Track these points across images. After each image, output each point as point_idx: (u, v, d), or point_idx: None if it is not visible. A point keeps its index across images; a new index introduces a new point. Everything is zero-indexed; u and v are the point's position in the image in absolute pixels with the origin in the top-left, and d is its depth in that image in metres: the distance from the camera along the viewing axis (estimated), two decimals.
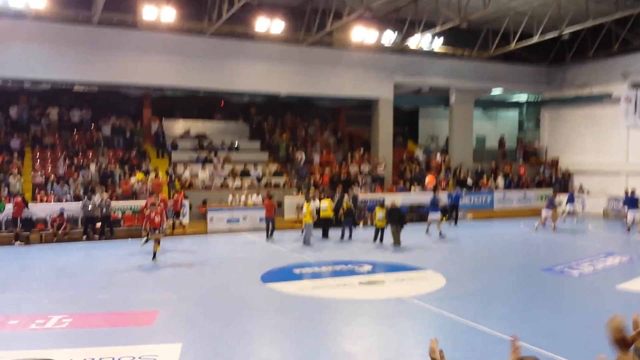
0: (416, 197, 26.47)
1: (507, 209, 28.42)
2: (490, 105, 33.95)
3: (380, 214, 18.89)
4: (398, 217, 17.93)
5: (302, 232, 19.59)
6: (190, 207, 22.10)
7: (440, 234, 19.96)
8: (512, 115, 36.95)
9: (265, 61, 25.06)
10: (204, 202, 22.71)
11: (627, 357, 2.51)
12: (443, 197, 25.00)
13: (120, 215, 20.68)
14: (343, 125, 32.07)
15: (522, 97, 35.30)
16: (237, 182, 24.63)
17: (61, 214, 19.46)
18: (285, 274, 13.64)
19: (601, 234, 21.42)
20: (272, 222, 19.79)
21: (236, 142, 27.69)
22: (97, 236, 19.88)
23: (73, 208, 20.14)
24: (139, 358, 7.20)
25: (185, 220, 21.97)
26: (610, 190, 27.56)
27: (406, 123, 33.39)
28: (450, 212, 24.40)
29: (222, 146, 27.04)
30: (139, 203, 20.77)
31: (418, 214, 25.60)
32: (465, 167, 29.95)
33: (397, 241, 17.75)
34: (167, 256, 15.97)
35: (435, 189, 26.09)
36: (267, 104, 29.72)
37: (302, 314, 9.77)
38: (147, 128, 26.77)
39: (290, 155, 27.54)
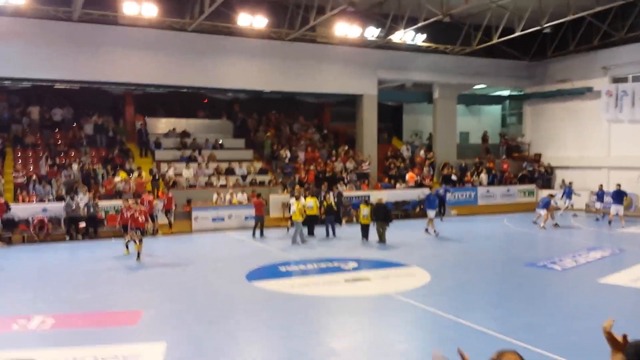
0: (401, 193, 26.59)
1: (491, 205, 28.56)
2: (473, 100, 34.05)
3: (364, 211, 18.86)
4: (384, 214, 17.87)
5: (288, 230, 20.21)
6: (175, 206, 22.09)
7: (434, 231, 19.90)
8: (495, 110, 37.16)
9: (248, 57, 24.96)
10: (189, 201, 22.57)
11: (616, 357, 2.57)
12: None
13: (104, 215, 20.47)
14: (328, 121, 32.14)
15: (504, 92, 35.70)
16: (222, 181, 24.49)
17: (43, 216, 19.28)
18: (270, 272, 13.60)
19: (584, 229, 21.66)
20: (262, 221, 19.73)
21: (220, 140, 27.61)
22: (80, 236, 19.68)
23: (55, 208, 19.90)
24: (123, 358, 7.16)
25: (166, 219, 21.88)
26: (592, 185, 28.03)
27: (390, 119, 33.47)
28: (439, 208, 24.63)
29: (206, 144, 26.93)
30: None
31: (403, 210, 25.84)
32: (450, 163, 30.08)
33: (382, 239, 17.73)
34: (151, 256, 15.90)
35: (430, 185, 26.88)
36: (251, 101, 29.62)
37: (288, 311, 9.79)
38: (130, 126, 26.64)
39: (275, 152, 27.41)
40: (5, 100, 24.62)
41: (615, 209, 21.67)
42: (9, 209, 18.92)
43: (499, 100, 35.01)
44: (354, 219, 23.23)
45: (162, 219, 21.55)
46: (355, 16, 24.19)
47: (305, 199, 20.25)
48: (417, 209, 25.37)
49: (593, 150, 28.61)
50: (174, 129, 27.53)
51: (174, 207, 21.63)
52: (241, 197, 23.49)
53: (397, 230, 20.12)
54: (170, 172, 24.00)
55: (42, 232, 19.00)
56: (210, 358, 7.40)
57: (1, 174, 20.81)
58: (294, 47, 25.70)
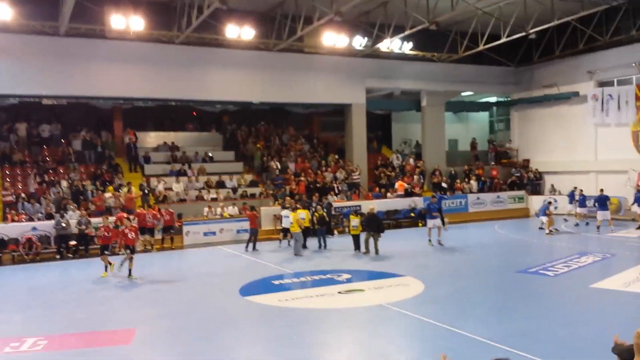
0: (392, 202, 26.53)
1: (482, 212, 28.62)
2: (461, 107, 34.20)
3: (354, 221, 18.77)
4: (376, 224, 17.74)
5: (287, 242, 20.16)
6: (174, 223, 21.79)
7: (439, 241, 19.58)
8: (483, 117, 37.26)
9: (237, 69, 24.89)
10: (179, 216, 22.24)
11: None
12: (420, 203, 25.82)
13: (94, 233, 19.81)
14: (317, 131, 32.06)
15: (492, 99, 35.91)
16: (213, 194, 24.37)
17: (31, 235, 19.07)
18: (264, 286, 13.54)
19: (575, 234, 21.76)
20: (255, 234, 19.58)
21: (210, 152, 27.51)
22: (71, 255, 19.42)
23: (45, 226, 19.67)
24: None
25: (159, 235, 21.47)
26: (580, 190, 27.86)
27: (380, 127, 33.44)
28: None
29: (196, 157, 26.79)
30: (113, 219, 19.89)
31: (394, 219, 25.86)
32: (440, 170, 30.11)
33: (367, 249, 17.71)
34: (143, 273, 15.71)
35: (414, 194, 26.90)
36: (240, 113, 29.55)
37: (282, 325, 9.73)
38: (119, 141, 26.34)
39: (265, 164, 27.30)
40: None
41: (602, 214, 21.65)
42: None
43: (486, 106, 35.17)
44: (346, 230, 22.97)
45: (158, 235, 21.31)
46: (342, 26, 24.39)
47: (296, 210, 20.15)
48: (419, 221, 25.23)
49: (580, 154, 28.77)
50: (163, 143, 27.43)
51: (175, 224, 21.56)
52: (232, 210, 23.35)
53: (389, 240, 19.95)
54: (160, 187, 23.84)
55: (31, 251, 18.80)
56: None
57: None
58: (281, 58, 25.69)
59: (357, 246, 18.46)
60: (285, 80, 26.02)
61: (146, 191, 23.05)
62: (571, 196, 24.96)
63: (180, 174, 25.21)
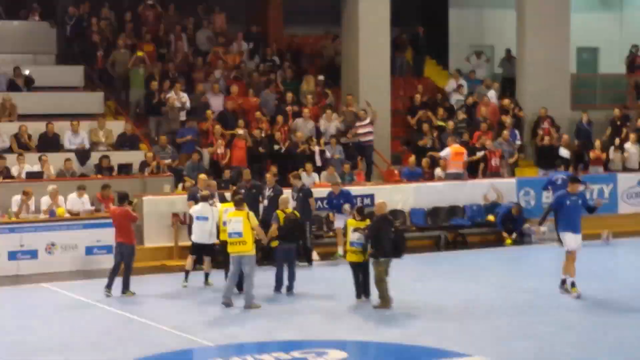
0: (447, 190, 26.57)
1: None
2: None
3: (355, 235, 18.78)
4: (390, 240, 18.01)
5: (206, 276, 20.60)
6: None
7: (573, 288, 19.33)
8: None
9: None
10: None
11: None
12: (510, 191, 26.58)
13: None
14: (275, 25, 32.58)
15: None
16: (31, 165, 24.62)
17: None
18: None
19: None
20: (130, 256, 19.91)
21: (27, 69, 28.06)
22: None
23: None
24: None
25: None
26: None
27: (421, 20, 34.08)
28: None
29: None
30: None
31: (449, 228, 26.25)
32: (555, 120, 30.08)
33: (386, 299, 18.06)
34: None
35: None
36: None
37: None
38: None
39: (156, 97, 27.54)
40: None
41: None
42: None
43: None
44: (340, 250, 22.97)
45: None
46: None
47: (221, 206, 20.39)
48: (507, 234, 25.74)
49: None
50: None
51: None
52: (76, 202, 23.25)
53: (437, 273, 21.55)
54: None
55: None
56: None
57: None
58: None
59: (358, 285, 18.87)
60: None
61: None
62: None
63: None
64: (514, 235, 24.94)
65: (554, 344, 15.86)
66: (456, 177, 26.85)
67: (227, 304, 18.37)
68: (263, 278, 19.97)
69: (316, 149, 26.85)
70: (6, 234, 22.27)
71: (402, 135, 29.76)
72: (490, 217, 25.89)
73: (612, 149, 29.70)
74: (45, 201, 22.96)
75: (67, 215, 22.86)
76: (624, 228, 27.35)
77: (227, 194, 22.34)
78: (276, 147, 26.50)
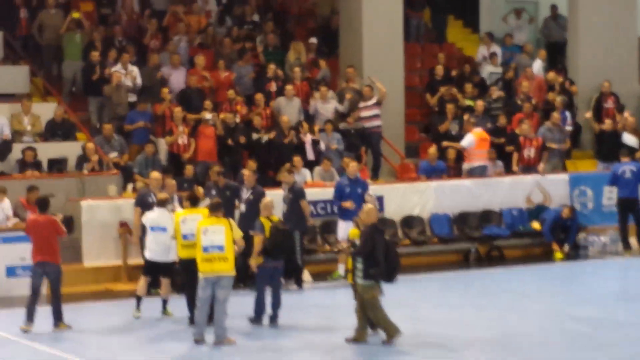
0: (478, 190, 26.95)
1: None
2: None
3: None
4: (387, 256, 17.94)
5: (164, 303, 20.67)
6: None
7: None
8: None
9: None
10: None
11: None
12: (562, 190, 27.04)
13: None
14: None
15: None
16: None
17: None
18: None
19: None
20: (57, 279, 19.59)
21: None
22: None
23: None
24: None
25: None
26: None
27: None
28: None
29: None
30: None
31: (482, 239, 26.39)
32: (616, 98, 30.53)
33: (391, 329, 17.98)
34: None
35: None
36: None
37: None
38: None
39: (96, 72, 27.55)
40: None
41: None
42: None
43: None
44: (340, 270, 23.21)
45: None
46: None
47: (182, 211, 20.28)
48: (559, 245, 25.85)
49: None
50: None
51: None
52: None
53: (458, 298, 21.39)
54: None
55: None
56: None
57: None
58: None
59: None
60: None
61: None
62: None
63: None
64: (566, 247, 24.82)
65: None
66: (481, 171, 27.13)
67: (200, 341, 18.27)
68: (237, 305, 19.68)
69: (307, 137, 26.81)
70: None
71: (419, 120, 30.08)
72: (535, 225, 25.93)
73: None
74: None
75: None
76: None
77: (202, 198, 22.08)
78: (255, 135, 26.51)
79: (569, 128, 29.27)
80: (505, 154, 27.73)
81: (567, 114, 29.22)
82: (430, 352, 17.29)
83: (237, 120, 26.49)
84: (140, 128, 26.25)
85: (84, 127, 27.07)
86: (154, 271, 20.46)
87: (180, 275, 20.24)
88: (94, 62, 27.39)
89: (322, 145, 26.90)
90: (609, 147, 28.74)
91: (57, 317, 19.53)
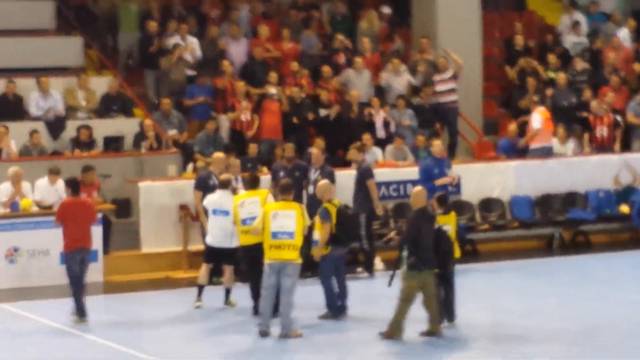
0: (563, 170, 26.86)
1: None
2: None
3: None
4: (431, 245, 18.00)
5: (226, 292, 20.54)
6: None
7: None
8: None
9: None
10: None
11: None
12: None
13: None
14: None
15: None
16: None
17: None
18: None
19: None
20: (87, 267, 19.27)
21: None
22: None
23: None
24: None
25: None
26: None
27: None
28: None
29: None
30: None
31: (561, 224, 26.26)
32: None
33: (394, 328, 17.94)
34: None
35: None
36: None
37: None
38: None
39: (154, 44, 27.71)
40: None
41: None
42: None
43: None
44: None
45: None
46: None
47: (240, 194, 20.43)
48: None
49: None
50: None
51: None
52: (47, 189, 23.23)
53: (540, 287, 21.32)
54: None
55: None
56: None
57: None
58: None
59: (445, 311, 18.73)
60: None
61: None
62: None
63: None
64: None
65: None
66: (547, 152, 26.97)
67: (265, 332, 18.14)
68: (305, 296, 19.80)
69: (379, 114, 26.72)
70: None
71: (498, 94, 30.03)
72: (624, 208, 25.74)
73: None
74: (5, 189, 22.82)
75: (34, 209, 22.64)
76: None
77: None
78: (322, 112, 26.43)
79: None
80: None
81: None
82: (510, 345, 17.11)
83: (303, 95, 26.24)
84: (201, 103, 26.29)
85: (140, 102, 27.40)
86: (216, 258, 20.42)
87: (242, 262, 20.24)
88: (151, 33, 27.32)
89: (392, 123, 26.87)
90: None
91: (80, 310, 19.30)
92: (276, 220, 18.49)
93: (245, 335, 18.18)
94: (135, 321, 20.15)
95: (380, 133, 26.56)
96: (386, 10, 30.29)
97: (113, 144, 25.22)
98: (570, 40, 30.59)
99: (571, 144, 27.29)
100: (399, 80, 27.39)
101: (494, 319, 19.03)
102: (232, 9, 29.37)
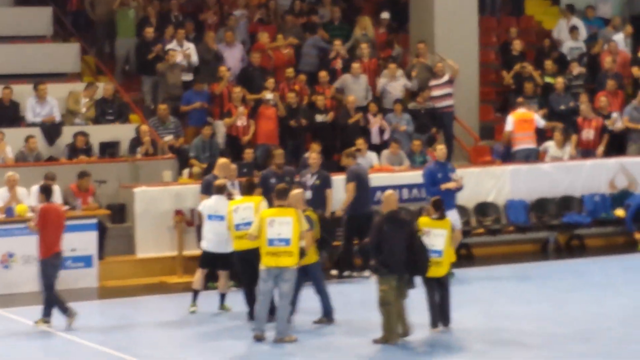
0: (558, 174, 26.71)
1: None
2: None
3: (440, 237, 18.73)
4: (403, 250, 17.83)
5: (221, 298, 20.67)
6: None
7: None
8: None
9: None
10: None
11: None
12: None
13: None
14: None
15: None
16: None
17: None
18: None
19: None
20: (56, 274, 19.38)
21: None
22: None
23: None
24: None
25: None
26: None
27: None
28: None
29: None
30: None
31: (556, 228, 26.15)
32: None
33: (387, 333, 18.00)
34: None
35: None
36: None
37: None
38: None
39: (151, 50, 27.70)
40: None
41: None
42: None
43: None
44: None
45: None
46: None
47: (235, 199, 20.52)
48: None
49: None
50: None
51: None
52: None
53: (536, 290, 21.34)
54: None
55: None
56: None
57: None
58: None
59: (440, 315, 18.81)
60: None
61: None
62: None
63: None
64: None
65: None
66: (527, 155, 26.81)
67: (260, 337, 18.12)
68: (299, 300, 19.72)
69: (376, 119, 26.73)
70: None
71: (494, 99, 30.01)
72: (619, 212, 25.61)
73: None
74: (0, 195, 22.86)
75: (30, 214, 22.05)
76: None
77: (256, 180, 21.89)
78: (319, 117, 26.33)
79: None
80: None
81: None
82: (505, 350, 17.15)
83: (300, 100, 26.25)
84: (197, 109, 26.26)
85: (137, 108, 27.37)
86: (211, 263, 20.39)
87: (236, 268, 20.20)
88: (148, 39, 27.41)
89: (387, 127, 26.80)
90: None
91: (47, 313, 19.23)
92: (273, 227, 18.52)
93: (240, 340, 18.13)
94: (130, 326, 20.19)
95: (376, 138, 26.58)
96: (385, 15, 30.19)
97: (109, 149, 25.14)
98: (567, 45, 30.52)
99: (568, 148, 27.09)
100: (396, 85, 27.30)
101: (489, 323, 18.97)
102: (229, 15, 29.17)
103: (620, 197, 25.63)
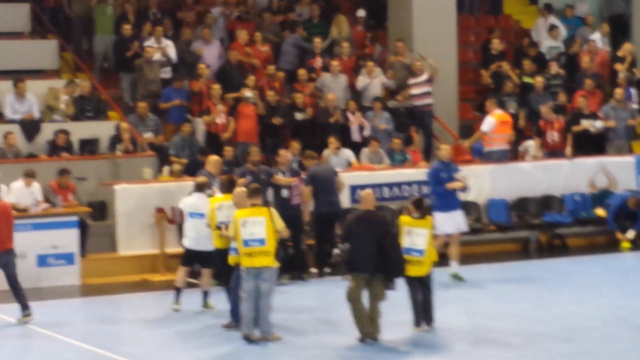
0: (539, 173, 26.86)
1: None
2: None
3: (409, 240, 18.55)
4: (371, 250, 17.77)
5: (204, 295, 20.59)
6: None
7: None
8: None
9: None
10: None
11: None
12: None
13: None
14: None
15: None
16: None
17: None
18: None
19: None
20: (13, 269, 19.53)
21: None
22: None
23: None
24: None
25: None
26: None
27: None
28: None
29: None
30: None
31: (537, 227, 26.20)
32: None
33: (368, 330, 18.04)
34: None
35: None
36: None
37: None
38: None
39: (129, 47, 27.66)
40: None
41: None
42: None
43: None
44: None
45: None
46: None
47: (218, 197, 20.36)
48: (624, 233, 25.86)
49: None
50: None
51: None
52: (23, 191, 23.27)
53: (517, 290, 21.41)
54: None
55: None
56: None
57: None
58: None
59: (423, 314, 18.71)
60: None
61: None
62: None
63: None
64: (630, 233, 24.57)
65: None
66: (500, 156, 26.73)
67: (249, 337, 18.00)
68: (281, 298, 19.85)
69: (355, 117, 26.66)
70: None
71: (473, 97, 30.00)
72: (600, 211, 25.74)
73: None
74: None
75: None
76: None
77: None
78: (298, 115, 26.42)
79: (634, 106, 28.58)
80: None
81: (632, 91, 28.74)
82: (488, 349, 17.17)
83: (279, 98, 26.28)
84: (176, 106, 26.26)
85: (116, 105, 27.39)
86: (193, 261, 20.43)
87: (218, 266, 20.08)
88: (126, 36, 27.36)
89: (367, 125, 26.83)
90: None
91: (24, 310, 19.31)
92: (245, 228, 18.52)
93: (222, 339, 18.14)
94: (113, 324, 20.19)
95: (357, 136, 26.58)
96: (361, 13, 30.20)
97: (88, 146, 25.08)
98: (546, 45, 30.65)
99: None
100: (375, 83, 27.35)
101: (471, 322, 18.99)
102: (208, 13, 29.22)
103: (601, 197, 25.73)
